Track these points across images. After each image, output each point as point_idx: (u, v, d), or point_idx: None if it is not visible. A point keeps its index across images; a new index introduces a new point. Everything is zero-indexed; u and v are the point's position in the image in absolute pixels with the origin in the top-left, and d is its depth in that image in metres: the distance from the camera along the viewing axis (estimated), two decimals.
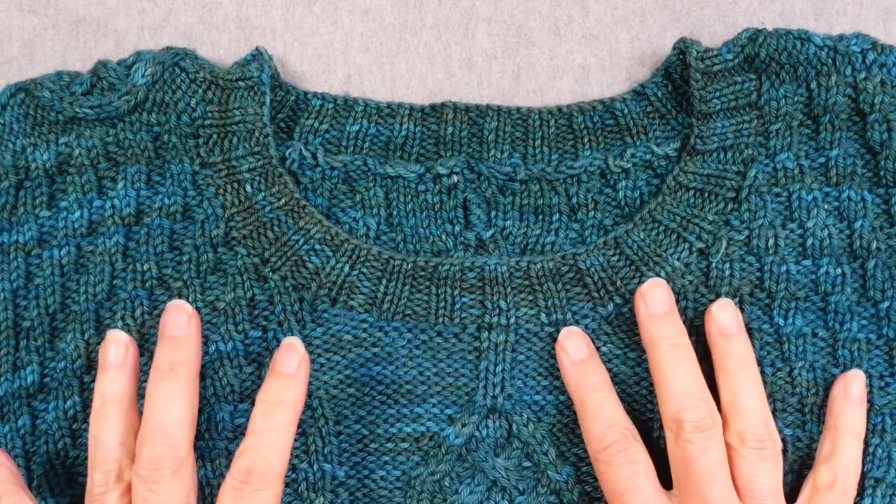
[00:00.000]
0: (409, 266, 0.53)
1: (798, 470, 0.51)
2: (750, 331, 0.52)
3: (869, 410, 0.52)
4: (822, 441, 0.51)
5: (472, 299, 0.52)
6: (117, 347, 0.49)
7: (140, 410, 0.50)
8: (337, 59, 0.58)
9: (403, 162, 0.55)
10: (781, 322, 0.52)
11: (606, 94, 0.57)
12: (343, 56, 0.58)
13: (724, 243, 0.53)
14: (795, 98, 0.54)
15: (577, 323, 0.52)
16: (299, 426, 0.52)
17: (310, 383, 0.52)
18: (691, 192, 0.54)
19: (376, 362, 0.52)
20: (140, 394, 0.51)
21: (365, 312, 0.52)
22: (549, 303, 0.52)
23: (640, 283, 0.52)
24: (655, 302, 0.51)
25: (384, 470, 0.52)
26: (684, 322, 0.52)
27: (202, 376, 0.52)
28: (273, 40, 0.58)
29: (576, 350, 0.51)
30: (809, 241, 0.53)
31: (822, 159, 0.54)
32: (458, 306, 0.52)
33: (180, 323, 0.49)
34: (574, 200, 0.55)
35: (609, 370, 0.52)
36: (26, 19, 0.58)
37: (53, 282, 0.53)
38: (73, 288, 0.53)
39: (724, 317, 0.51)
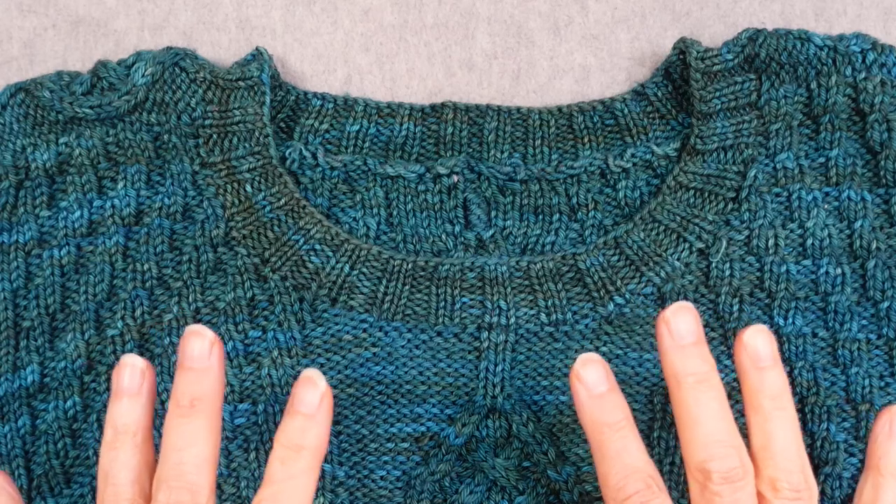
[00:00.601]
0: (409, 266, 0.53)
1: None
2: None
3: (868, 410, 0.52)
4: (862, 482, 0.47)
5: (472, 299, 0.52)
6: (133, 374, 0.44)
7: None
8: (337, 59, 0.58)
9: (403, 162, 0.55)
10: (781, 322, 0.52)
11: (606, 94, 0.57)
12: (343, 56, 0.58)
13: (724, 243, 0.53)
14: (795, 98, 0.54)
15: (577, 323, 0.52)
16: None
17: None
18: (691, 192, 0.54)
19: (376, 362, 0.52)
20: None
21: (365, 312, 0.52)
22: (549, 303, 0.52)
23: (640, 283, 0.52)
24: (682, 330, 0.44)
25: (384, 470, 0.52)
26: None
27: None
28: (273, 40, 0.58)
29: (596, 382, 0.45)
30: (809, 241, 0.53)
31: (822, 159, 0.54)
32: (458, 306, 0.52)
33: (202, 353, 0.44)
34: (574, 200, 0.55)
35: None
36: (26, 19, 0.58)
37: (53, 282, 0.53)
38: (73, 288, 0.53)
39: (759, 345, 0.44)
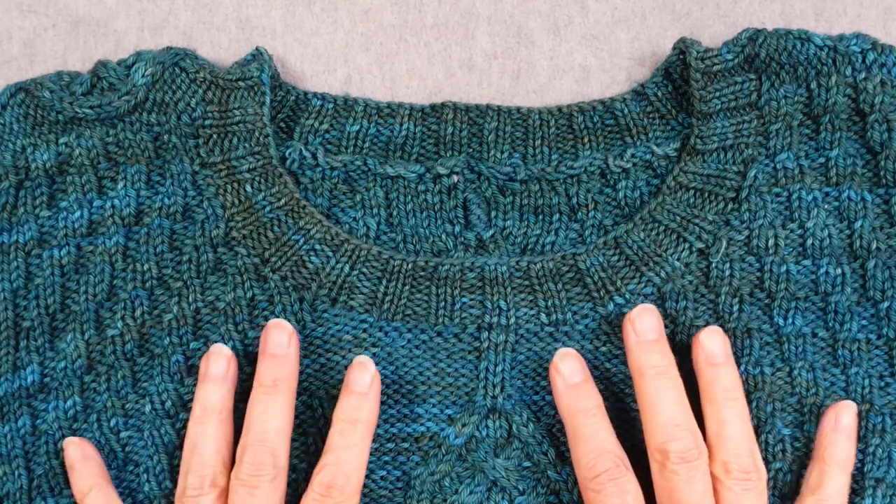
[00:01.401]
0: (409, 266, 0.53)
1: (797, 470, 0.51)
2: (750, 331, 0.52)
3: (868, 410, 0.52)
4: (809, 471, 0.51)
5: (472, 299, 0.52)
6: (219, 361, 0.51)
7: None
8: (337, 59, 0.58)
9: (403, 162, 0.55)
10: (781, 322, 0.52)
11: (606, 94, 0.57)
12: (343, 56, 0.58)
13: (724, 243, 0.53)
14: (795, 98, 0.54)
15: (577, 323, 0.52)
16: (300, 426, 0.52)
17: (310, 383, 0.52)
18: (691, 192, 0.54)
19: (376, 362, 0.52)
20: (129, 392, 0.51)
21: (365, 312, 0.52)
22: (549, 303, 0.52)
23: (640, 283, 0.52)
24: (645, 329, 0.50)
25: (384, 470, 0.52)
26: (683, 324, 0.52)
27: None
28: (273, 40, 0.58)
29: (571, 373, 0.50)
30: (809, 241, 0.53)
31: (822, 159, 0.54)
32: (458, 306, 0.52)
33: (282, 342, 0.51)
34: (574, 200, 0.55)
35: (608, 370, 0.52)
36: (26, 19, 0.58)
37: (53, 282, 0.53)
38: (73, 288, 0.53)
39: (713, 345, 0.50)
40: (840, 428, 0.51)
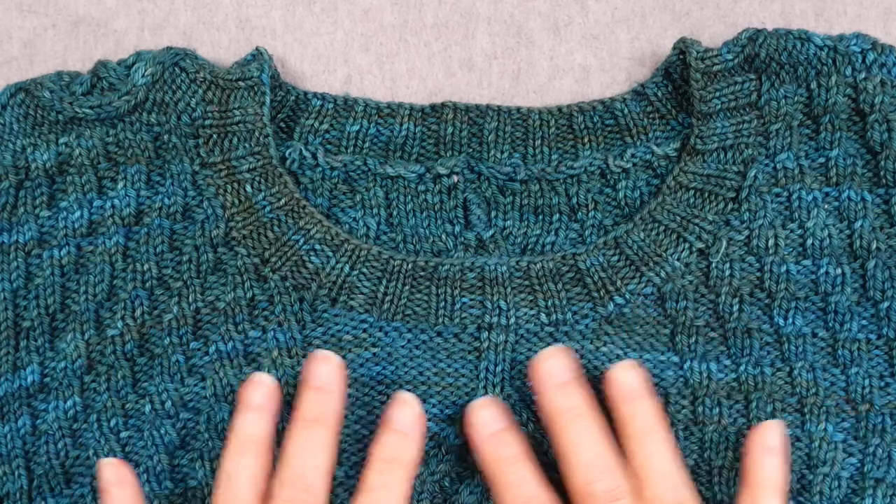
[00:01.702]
0: (409, 266, 0.53)
1: (798, 470, 0.51)
2: (750, 331, 0.52)
3: (868, 410, 0.52)
4: (738, 499, 0.48)
5: (472, 299, 0.53)
6: (262, 391, 0.49)
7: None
8: (337, 59, 0.58)
9: (403, 162, 0.55)
10: (781, 322, 0.52)
11: (606, 94, 0.57)
12: (343, 56, 0.58)
13: (724, 243, 0.53)
14: (795, 98, 0.54)
15: (577, 323, 0.52)
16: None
17: None
18: (691, 192, 0.54)
19: (376, 362, 0.52)
20: (130, 396, 0.51)
21: (365, 312, 0.52)
22: (549, 303, 0.52)
23: (640, 283, 0.52)
24: (554, 371, 0.49)
25: None
26: (683, 324, 0.52)
27: (202, 377, 0.52)
28: (273, 40, 0.58)
29: (489, 422, 0.49)
30: (809, 241, 0.53)
31: (822, 159, 0.54)
32: (458, 306, 0.52)
33: (330, 376, 0.49)
34: (574, 200, 0.55)
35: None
36: (26, 19, 0.58)
37: (53, 282, 0.53)
38: (73, 288, 0.53)
39: (626, 380, 0.49)
40: (768, 448, 0.49)
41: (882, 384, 0.52)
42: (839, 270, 0.53)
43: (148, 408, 0.52)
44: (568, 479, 0.48)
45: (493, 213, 0.55)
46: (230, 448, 0.48)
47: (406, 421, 0.49)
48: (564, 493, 0.48)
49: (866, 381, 0.52)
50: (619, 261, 0.53)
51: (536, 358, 0.49)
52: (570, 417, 0.48)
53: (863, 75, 0.53)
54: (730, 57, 0.54)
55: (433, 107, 0.56)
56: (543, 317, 0.52)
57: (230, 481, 0.47)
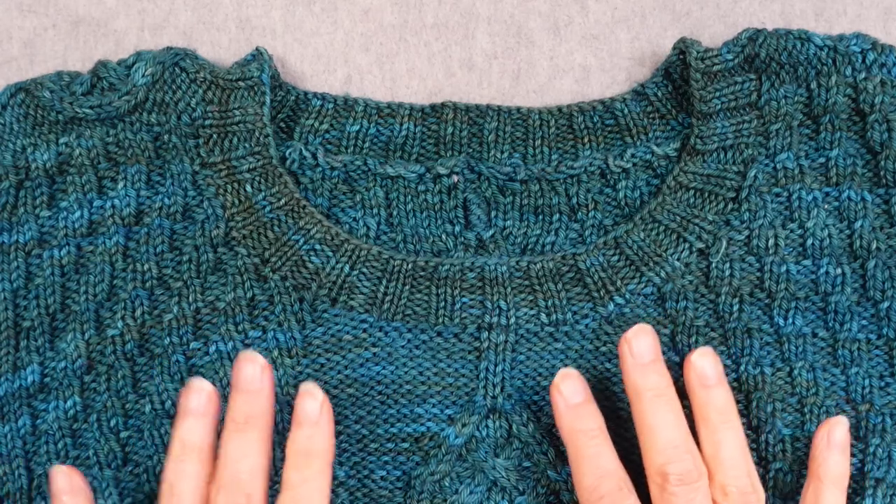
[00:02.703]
0: (409, 266, 0.53)
1: (798, 470, 0.51)
2: (750, 331, 0.52)
3: (868, 410, 0.52)
4: (805, 489, 0.50)
5: (472, 299, 0.53)
6: (199, 396, 0.49)
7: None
8: (337, 59, 0.58)
9: (403, 162, 0.55)
10: (781, 322, 0.52)
11: (606, 94, 0.57)
12: (343, 56, 0.58)
13: (724, 243, 0.53)
14: (795, 98, 0.54)
15: (577, 323, 0.52)
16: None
17: None
18: (691, 192, 0.54)
19: (376, 362, 0.52)
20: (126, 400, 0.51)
21: (365, 312, 0.52)
22: (550, 303, 0.52)
23: (640, 283, 0.52)
24: (641, 350, 0.49)
25: (384, 470, 0.52)
26: (683, 324, 0.52)
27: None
28: (273, 40, 0.58)
29: (572, 393, 0.49)
30: (809, 241, 0.53)
31: (822, 159, 0.54)
32: (458, 306, 0.52)
33: (255, 377, 0.49)
34: (574, 200, 0.55)
35: (608, 370, 0.52)
36: (26, 19, 0.58)
37: (53, 282, 0.53)
38: (73, 288, 0.53)
39: (705, 365, 0.50)
40: (833, 444, 0.50)
41: (882, 384, 0.52)
42: (839, 270, 0.53)
43: (148, 408, 0.52)
44: (645, 457, 0.48)
45: (493, 213, 0.55)
46: (171, 455, 0.48)
47: (313, 411, 0.48)
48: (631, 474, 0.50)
49: (866, 381, 0.52)
50: (619, 261, 0.53)
51: (627, 335, 0.49)
52: (651, 397, 0.48)
53: (863, 75, 0.53)
54: (730, 57, 0.54)
55: (433, 107, 0.56)
56: (543, 317, 0.52)
57: (172, 490, 0.48)
